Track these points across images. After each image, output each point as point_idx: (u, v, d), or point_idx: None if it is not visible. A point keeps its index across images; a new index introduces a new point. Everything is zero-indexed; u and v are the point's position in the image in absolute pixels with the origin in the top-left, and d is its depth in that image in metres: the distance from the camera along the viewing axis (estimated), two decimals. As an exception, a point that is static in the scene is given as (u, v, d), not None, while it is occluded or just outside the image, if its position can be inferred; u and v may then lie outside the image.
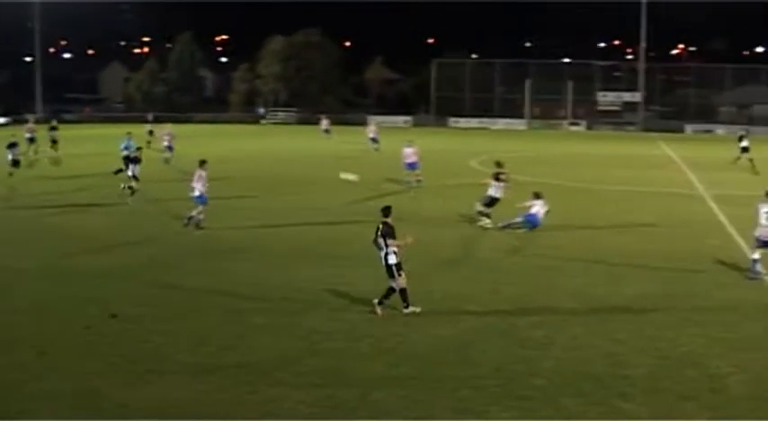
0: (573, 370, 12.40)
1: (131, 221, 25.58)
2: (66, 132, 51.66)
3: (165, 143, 41.59)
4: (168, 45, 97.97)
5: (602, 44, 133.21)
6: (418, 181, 33.93)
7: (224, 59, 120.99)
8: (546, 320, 14.90)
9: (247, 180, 35.78)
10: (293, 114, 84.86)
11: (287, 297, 16.40)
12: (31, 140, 45.59)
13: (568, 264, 19.71)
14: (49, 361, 12.86)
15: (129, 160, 30.81)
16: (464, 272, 18.96)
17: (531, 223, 24.01)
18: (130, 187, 29.49)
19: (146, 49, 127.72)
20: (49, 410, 10.89)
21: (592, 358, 12.96)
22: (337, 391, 11.42)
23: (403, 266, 15.18)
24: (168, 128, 43.98)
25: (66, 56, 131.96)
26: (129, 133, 37.47)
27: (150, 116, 56.56)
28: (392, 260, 15.02)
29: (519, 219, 24.33)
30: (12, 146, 36.93)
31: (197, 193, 24.07)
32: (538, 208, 24.37)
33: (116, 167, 33.69)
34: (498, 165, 25.70)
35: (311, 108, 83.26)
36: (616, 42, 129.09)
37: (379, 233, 15.18)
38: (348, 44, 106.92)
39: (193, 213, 23.96)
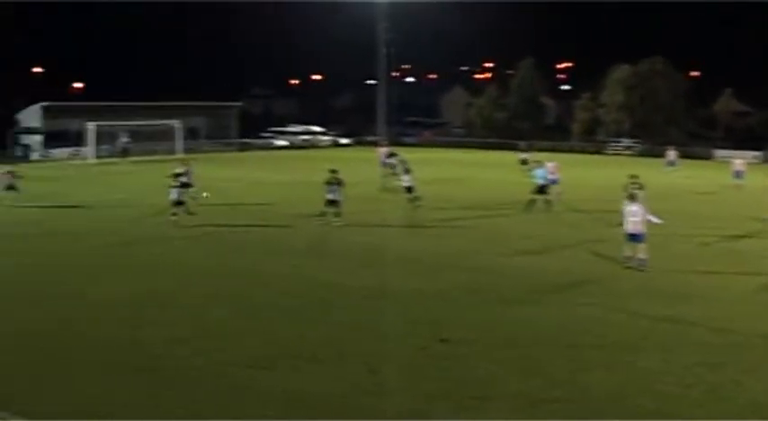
0: None
1: (463, 245, 25.92)
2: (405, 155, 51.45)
3: (552, 176, 37.37)
4: (510, 71, 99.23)
5: None
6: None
7: (566, 87, 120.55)
8: None
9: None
10: (636, 145, 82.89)
11: (623, 334, 16.21)
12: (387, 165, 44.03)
13: None
14: (381, 378, 13.36)
15: (542, 188, 33.65)
16: None
17: None
18: (541, 201, 32.47)
19: (487, 75, 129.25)
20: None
21: None
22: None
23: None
24: (543, 158, 41.36)
25: (409, 80, 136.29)
26: (538, 162, 37.68)
27: (523, 144, 56.98)
28: None
29: None
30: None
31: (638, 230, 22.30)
32: None
33: (532, 196, 34.49)
34: None
35: (654, 139, 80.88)
36: None
37: None
38: (695, 74, 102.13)
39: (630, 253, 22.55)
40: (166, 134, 67.38)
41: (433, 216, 31.79)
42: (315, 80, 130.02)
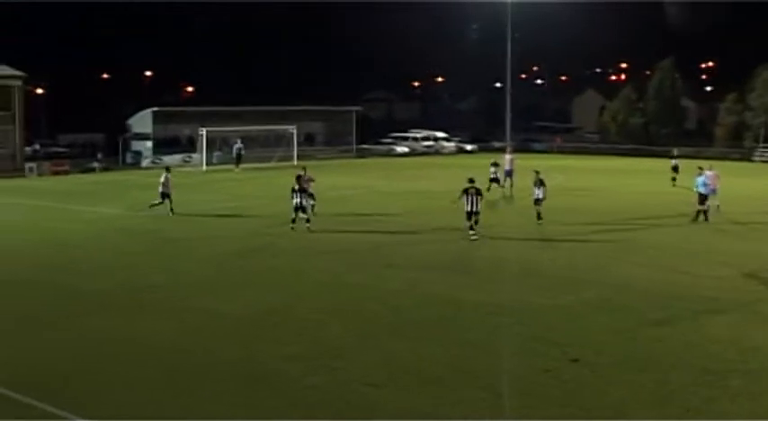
0: None
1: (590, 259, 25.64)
2: (533, 162, 50.68)
3: (710, 186, 36.35)
4: (647, 72, 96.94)
5: None
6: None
7: (709, 88, 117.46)
8: None
9: None
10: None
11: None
12: (509, 174, 44.53)
13: None
14: (503, 401, 13.39)
15: (703, 198, 34.01)
16: None
17: None
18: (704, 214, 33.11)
19: (622, 76, 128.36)
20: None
21: None
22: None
23: None
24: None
25: (538, 82, 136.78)
26: (700, 169, 35.86)
27: (675, 151, 54.68)
28: None
29: None
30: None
31: None
32: None
33: (699, 207, 34.39)
34: None
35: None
36: None
37: None
38: None
39: None
40: (281, 140, 68.35)
41: (563, 228, 31.56)
42: (437, 82, 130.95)
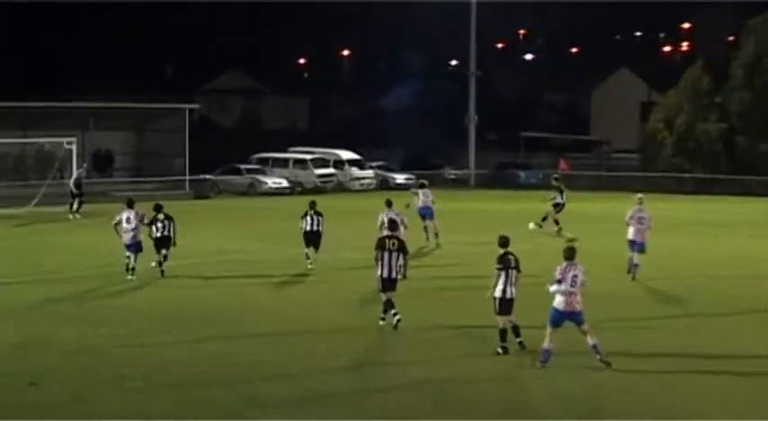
0: None
1: None
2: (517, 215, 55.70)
3: None
4: (730, 37, 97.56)
5: None
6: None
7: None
8: None
9: None
10: None
11: None
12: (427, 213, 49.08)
13: None
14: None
15: None
16: None
17: None
18: None
19: (684, 46, 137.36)
20: None
21: None
22: None
23: None
24: None
25: (528, 57, 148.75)
26: None
27: None
28: None
29: None
30: None
31: None
32: None
33: None
34: None
35: None
36: None
37: None
38: None
39: None
40: (49, 163, 67.27)
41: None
42: (343, 58, 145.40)
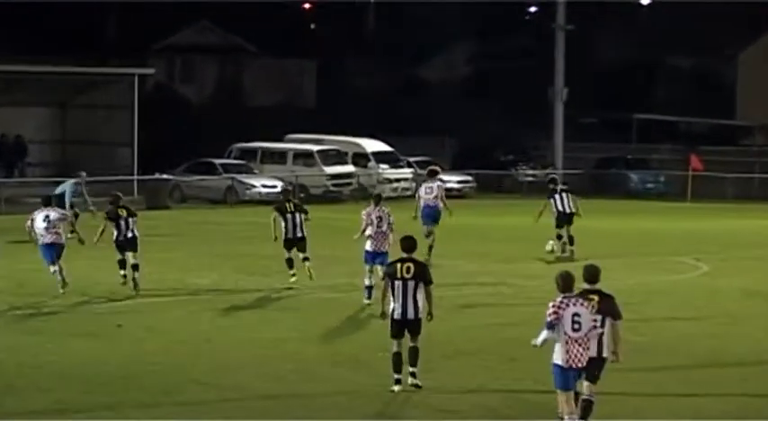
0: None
1: None
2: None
3: None
4: None
5: None
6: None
7: None
8: None
9: None
10: None
11: None
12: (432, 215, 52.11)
13: None
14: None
15: None
16: None
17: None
18: None
19: None
20: None
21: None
22: None
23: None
24: None
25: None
26: None
27: None
28: None
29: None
30: None
31: None
32: None
33: None
34: None
35: None
36: None
37: None
38: None
39: None
40: None
41: None
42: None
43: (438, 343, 32.73)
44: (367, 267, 38.31)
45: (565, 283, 25.23)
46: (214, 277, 48.25)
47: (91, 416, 27.60)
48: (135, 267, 39.67)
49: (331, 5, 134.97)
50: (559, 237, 48.70)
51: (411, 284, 29.09)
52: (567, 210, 48.78)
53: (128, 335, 36.22)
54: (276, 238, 43.30)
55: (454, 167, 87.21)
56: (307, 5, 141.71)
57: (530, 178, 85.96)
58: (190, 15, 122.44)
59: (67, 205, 60.32)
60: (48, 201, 40.29)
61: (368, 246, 38.23)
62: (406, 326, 29.31)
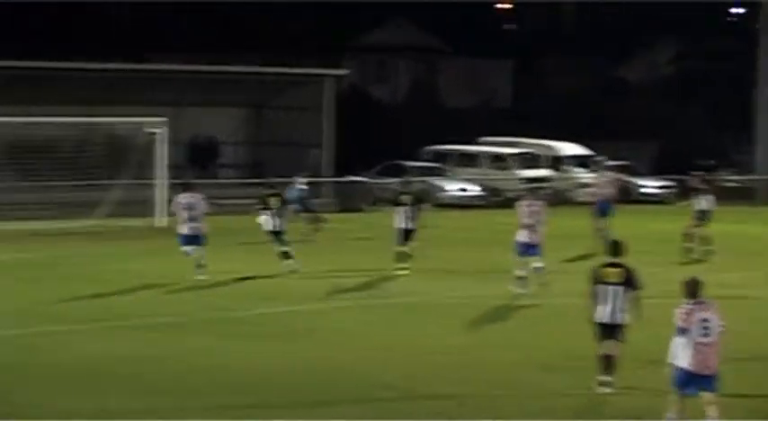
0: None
1: None
2: None
3: None
4: None
5: None
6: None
7: None
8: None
9: None
10: None
11: None
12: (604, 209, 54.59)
13: None
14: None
15: None
16: None
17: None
18: None
19: None
20: None
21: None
22: None
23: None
24: None
25: None
26: None
27: None
28: None
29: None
30: None
31: None
32: None
33: None
34: None
35: None
36: None
37: None
38: None
39: None
40: (123, 158, 69.24)
41: None
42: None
43: (637, 350, 31.84)
44: (521, 259, 39.30)
45: (691, 289, 25.40)
46: (403, 281, 47.73)
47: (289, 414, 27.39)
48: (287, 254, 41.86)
49: (529, 5, 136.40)
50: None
51: (620, 290, 29.15)
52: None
53: (320, 338, 36.34)
54: None
55: (653, 173, 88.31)
56: (503, 5, 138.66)
57: (730, 184, 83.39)
58: (384, 14, 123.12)
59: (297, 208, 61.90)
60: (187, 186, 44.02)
61: (522, 237, 39.26)
62: (610, 330, 29.37)
